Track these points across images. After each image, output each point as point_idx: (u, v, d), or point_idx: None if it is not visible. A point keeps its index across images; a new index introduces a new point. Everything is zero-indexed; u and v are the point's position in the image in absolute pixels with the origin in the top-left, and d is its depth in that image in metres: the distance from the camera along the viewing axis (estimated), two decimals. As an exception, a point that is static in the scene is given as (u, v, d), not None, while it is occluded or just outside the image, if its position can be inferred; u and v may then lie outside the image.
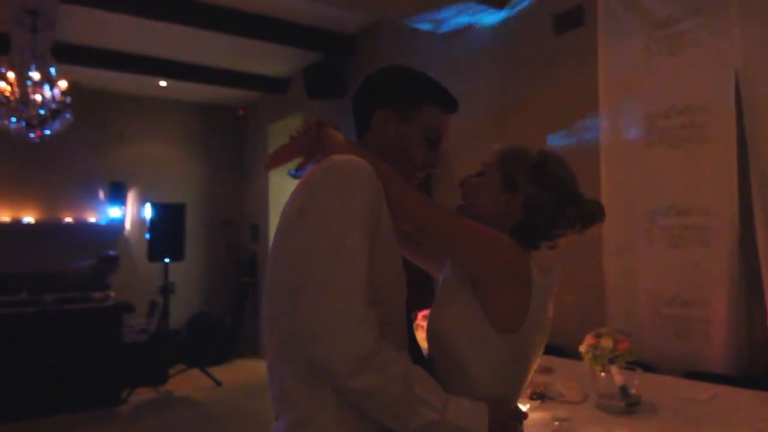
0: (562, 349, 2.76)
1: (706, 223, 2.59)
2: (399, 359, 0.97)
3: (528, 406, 1.93)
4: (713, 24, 2.58)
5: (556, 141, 3.30)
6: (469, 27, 4.06)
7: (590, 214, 1.17)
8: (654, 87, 2.81)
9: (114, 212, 6.90)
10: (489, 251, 1.07)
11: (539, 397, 2.04)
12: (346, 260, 0.95)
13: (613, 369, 1.94)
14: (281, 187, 6.77)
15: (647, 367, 2.23)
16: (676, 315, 2.68)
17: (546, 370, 2.42)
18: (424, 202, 1.10)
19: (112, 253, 6.21)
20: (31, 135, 4.69)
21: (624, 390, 1.90)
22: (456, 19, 3.97)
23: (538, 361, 1.15)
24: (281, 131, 6.84)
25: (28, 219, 6.36)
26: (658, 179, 2.78)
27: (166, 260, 5.89)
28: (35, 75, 4.57)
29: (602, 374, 1.95)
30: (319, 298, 0.94)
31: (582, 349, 2.03)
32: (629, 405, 1.89)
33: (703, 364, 2.54)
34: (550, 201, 1.14)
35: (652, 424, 1.79)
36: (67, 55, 5.29)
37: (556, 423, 1.78)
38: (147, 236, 5.96)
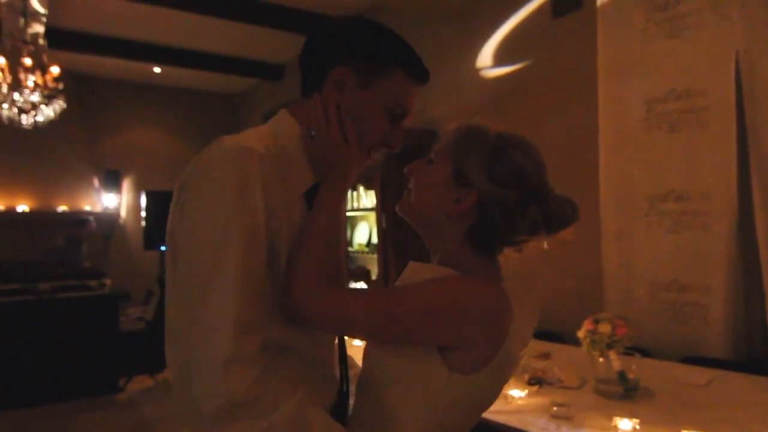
0: (560, 335, 2.76)
1: (704, 207, 2.58)
2: (288, 399, 0.81)
3: (526, 391, 1.93)
4: (713, 7, 2.55)
5: (554, 124, 3.28)
6: (469, 10, 4.02)
7: (558, 214, 0.92)
8: (653, 70, 2.78)
9: (109, 200, 6.86)
10: (462, 323, 0.86)
11: (537, 382, 2.04)
12: (219, 284, 0.80)
13: (612, 354, 1.93)
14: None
15: (645, 352, 2.23)
16: (675, 300, 2.68)
17: (544, 355, 2.42)
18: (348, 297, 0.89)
19: (84, 218, 6.18)
20: (24, 122, 4.64)
21: (622, 375, 1.90)
22: None
23: (490, 405, 0.98)
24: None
25: (23, 207, 6.32)
26: (656, 164, 2.76)
27: (163, 248, 5.86)
28: (27, 61, 4.51)
29: (600, 359, 1.95)
30: (188, 332, 0.82)
31: (580, 334, 2.02)
32: (627, 390, 1.89)
33: (701, 348, 2.55)
34: (508, 199, 0.92)
35: (650, 409, 1.79)
36: (60, 40, 5.22)
37: (555, 408, 1.78)
38: (143, 224, 5.93)
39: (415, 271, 0.98)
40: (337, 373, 1.07)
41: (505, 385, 0.98)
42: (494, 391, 0.95)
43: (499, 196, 0.92)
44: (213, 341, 0.79)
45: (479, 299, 0.86)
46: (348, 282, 1.18)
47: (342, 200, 0.98)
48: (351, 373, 1.10)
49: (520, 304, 0.90)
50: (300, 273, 0.88)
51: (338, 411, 1.03)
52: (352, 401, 1.02)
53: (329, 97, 0.97)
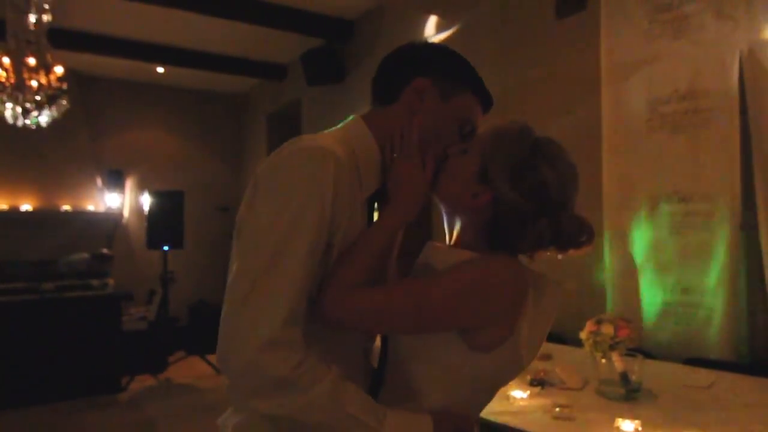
0: (562, 336, 2.76)
1: (708, 209, 2.57)
2: (323, 377, 0.87)
3: (528, 392, 1.93)
4: (717, 7, 2.54)
5: (557, 125, 3.27)
6: (468, 11, 4.01)
7: (567, 234, 0.94)
8: (656, 71, 2.78)
9: (112, 200, 6.88)
10: (486, 305, 0.90)
11: (539, 383, 2.04)
12: (278, 272, 0.86)
13: (614, 355, 1.93)
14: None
15: (648, 354, 2.23)
16: (677, 301, 2.67)
17: (546, 356, 2.42)
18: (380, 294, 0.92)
19: (106, 252, 6.21)
20: (27, 122, 4.65)
21: (624, 376, 1.90)
22: None
23: (510, 380, 1.04)
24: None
25: (26, 207, 6.33)
26: (660, 165, 2.75)
27: (165, 248, 5.87)
28: (31, 61, 4.52)
29: (603, 361, 1.95)
30: (241, 312, 0.86)
31: (583, 335, 2.02)
32: (630, 392, 1.88)
33: (703, 350, 2.54)
34: (522, 208, 0.93)
35: (652, 411, 1.79)
36: (64, 40, 5.23)
37: (557, 409, 1.78)
38: (146, 224, 5.94)
39: (435, 253, 1.03)
40: (369, 362, 1.09)
41: (508, 386, 1.00)
42: (514, 369, 0.98)
43: (513, 202, 0.93)
44: (261, 325, 0.84)
45: (505, 278, 0.90)
46: None
47: (402, 225, 1.00)
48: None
49: (535, 302, 0.93)
50: (335, 281, 0.91)
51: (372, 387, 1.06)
52: None
53: (411, 104, 1.02)
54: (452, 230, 1.05)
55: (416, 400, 0.95)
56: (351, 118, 1.07)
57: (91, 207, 6.71)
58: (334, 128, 1.06)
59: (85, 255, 6.01)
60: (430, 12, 4.21)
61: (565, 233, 0.93)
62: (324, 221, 0.89)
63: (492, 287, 0.90)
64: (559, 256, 0.97)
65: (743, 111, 2.45)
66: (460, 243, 1.02)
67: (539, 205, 0.93)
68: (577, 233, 0.94)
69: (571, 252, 0.95)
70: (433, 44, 1.11)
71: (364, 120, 1.06)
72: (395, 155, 1.01)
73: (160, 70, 6.64)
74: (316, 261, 0.90)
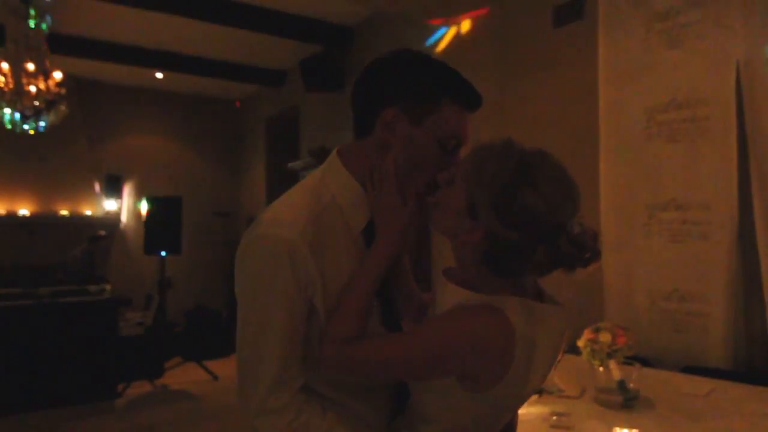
0: (559, 344, 2.75)
1: (705, 217, 2.58)
2: (321, 423, 0.98)
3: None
4: (714, 16, 2.55)
5: (554, 133, 3.28)
6: (467, 19, 4.03)
7: (569, 258, 0.89)
8: (654, 80, 2.79)
9: (110, 205, 6.87)
10: (464, 355, 0.91)
11: (537, 391, 2.03)
12: (266, 341, 0.97)
13: (612, 363, 1.93)
14: (277, 179, 6.75)
15: (645, 362, 2.22)
16: (675, 309, 2.67)
17: (544, 364, 2.41)
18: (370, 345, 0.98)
19: (100, 233, 6.20)
20: (26, 127, 4.65)
21: (622, 384, 1.89)
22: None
23: (518, 408, 1.09)
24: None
25: (24, 212, 6.32)
26: (657, 173, 2.76)
27: (163, 253, 5.86)
28: (30, 66, 4.53)
29: (600, 369, 1.95)
30: (242, 372, 1.00)
31: (580, 343, 2.02)
32: (627, 400, 1.88)
33: (701, 358, 2.54)
34: (515, 240, 0.88)
35: (650, 419, 1.79)
36: (63, 45, 5.25)
37: (554, 417, 1.77)
38: (143, 229, 5.93)
39: (443, 291, 1.05)
40: (384, 418, 1.12)
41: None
42: (512, 403, 1.03)
43: (505, 236, 0.89)
44: (252, 394, 0.98)
45: (476, 336, 0.90)
46: (419, 301, 1.22)
47: (391, 259, 1.01)
48: None
49: (544, 327, 0.95)
50: (331, 330, 0.97)
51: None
52: None
53: (383, 138, 0.99)
54: (458, 256, 1.02)
55: (431, 426, 1.00)
56: (333, 153, 1.09)
57: (89, 212, 6.70)
58: (315, 170, 1.10)
59: (83, 244, 6.00)
60: (429, 20, 4.23)
61: (566, 257, 0.89)
62: (292, 301, 0.96)
63: (469, 342, 0.90)
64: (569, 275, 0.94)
65: (740, 119, 2.46)
66: (465, 270, 1.01)
67: (531, 233, 0.88)
68: (578, 254, 0.89)
69: (579, 271, 0.91)
70: (397, 62, 1.02)
71: (341, 156, 1.06)
72: (374, 192, 1.01)
73: (159, 75, 6.65)
74: (297, 327, 0.98)
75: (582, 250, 0.89)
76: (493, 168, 0.90)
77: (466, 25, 4.08)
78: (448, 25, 4.16)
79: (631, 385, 1.90)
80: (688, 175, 2.64)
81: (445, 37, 4.24)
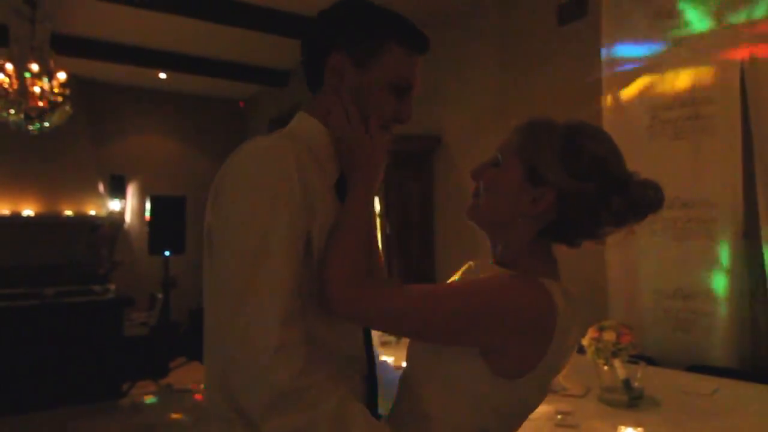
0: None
1: (710, 215, 2.57)
2: (330, 395, 0.82)
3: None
4: (718, 14, 2.55)
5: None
6: (473, 18, 4.03)
7: (643, 202, 0.87)
8: (657, 78, 2.78)
9: (114, 205, 6.89)
10: (501, 323, 0.83)
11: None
12: (265, 273, 0.82)
13: (616, 362, 1.92)
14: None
15: (650, 361, 2.22)
16: (679, 308, 2.67)
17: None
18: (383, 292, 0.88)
19: (97, 224, 6.30)
20: (30, 127, 4.66)
21: (627, 383, 1.89)
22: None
23: (532, 411, 0.96)
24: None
25: (28, 212, 6.34)
26: (661, 171, 2.71)
27: (167, 253, 5.87)
28: (34, 67, 4.54)
29: (605, 367, 1.94)
30: (231, 326, 0.82)
31: (584, 342, 2.01)
32: (632, 398, 1.88)
33: (705, 357, 2.53)
34: (590, 193, 0.85)
35: (655, 418, 1.78)
36: (66, 46, 5.25)
37: (559, 416, 1.77)
38: (147, 229, 5.94)
39: (470, 272, 1.00)
40: (362, 353, 1.03)
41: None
42: (539, 397, 0.93)
43: (579, 190, 0.85)
44: (260, 332, 0.80)
45: (519, 304, 0.83)
46: (384, 273, 1.18)
47: (372, 194, 0.97)
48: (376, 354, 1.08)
49: (573, 311, 0.87)
50: (335, 270, 0.86)
51: (368, 395, 1.02)
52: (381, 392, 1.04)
53: (334, 87, 0.97)
54: (508, 241, 0.95)
55: (423, 424, 0.89)
56: (297, 114, 1.05)
57: (93, 212, 6.72)
58: (284, 129, 1.04)
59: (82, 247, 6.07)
60: (432, 21, 4.22)
61: (641, 202, 0.86)
62: (299, 212, 0.86)
63: (501, 313, 0.83)
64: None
65: (745, 117, 2.45)
66: (502, 258, 0.95)
67: (603, 183, 0.86)
68: (650, 196, 0.87)
69: (649, 217, 0.88)
70: (340, 8, 1.01)
71: (308, 112, 1.03)
72: (339, 133, 0.97)
73: (163, 75, 6.66)
74: (300, 254, 0.87)
75: (654, 192, 0.87)
76: (546, 133, 0.90)
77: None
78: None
79: (636, 383, 1.89)
80: (693, 173, 2.63)
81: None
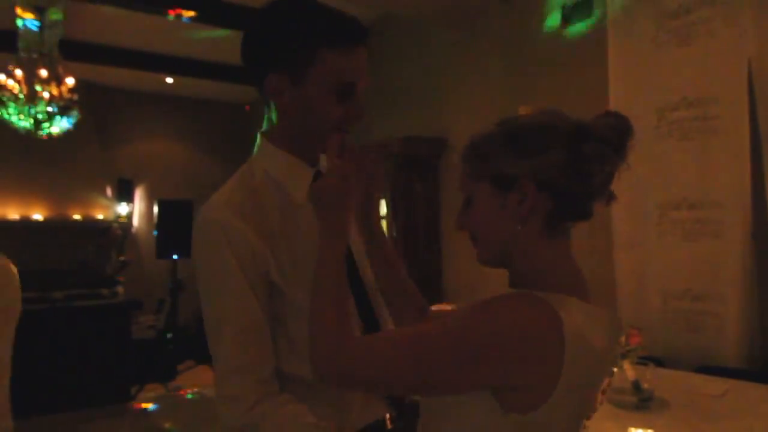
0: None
1: (718, 216, 2.55)
2: (278, 414, 0.93)
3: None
4: (725, 13, 2.54)
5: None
6: (477, 19, 4.03)
7: (612, 131, 0.81)
8: (664, 78, 2.77)
9: (122, 209, 6.93)
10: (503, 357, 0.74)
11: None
12: (220, 326, 0.95)
13: (625, 364, 1.91)
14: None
15: (659, 362, 2.21)
16: (688, 309, 2.65)
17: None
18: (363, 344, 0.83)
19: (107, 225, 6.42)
20: (40, 132, 4.70)
21: (636, 385, 1.88)
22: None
23: None
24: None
25: (37, 216, 6.39)
26: (669, 172, 2.74)
27: (175, 257, 5.90)
28: (43, 72, 4.58)
29: (614, 369, 1.93)
30: (213, 349, 0.97)
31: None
32: (642, 400, 1.86)
33: (715, 358, 2.51)
34: (560, 158, 0.80)
35: (665, 420, 1.77)
36: (74, 52, 5.30)
37: (568, 418, 1.76)
38: (155, 233, 5.97)
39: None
40: (352, 398, 1.06)
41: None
42: (572, 424, 0.82)
43: (550, 164, 0.80)
44: (219, 381, 0.96)
45: (512, 328, 0.74)
46: (410, 287, 1.14)
47: (342, 224, 0.92)
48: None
49: (592, 322, 0.79)
50: (317, 329, 0.83)
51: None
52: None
53: (277, 105, 1.00)
54: (514, 278, 0.89)
55: None
56: (258, 138, 1.08)
57: (101, 216, 6.76)
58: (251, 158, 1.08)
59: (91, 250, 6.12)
60: (437, 22, 4.23)
61: (611, 132, 0.81)
62: (239, 281, 0.94)
63: (504, 336, 0.73)
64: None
65: (753, 117, 2.44)
66: (513, 277, 0.88)
67: (563, 143, 0.81)
68: (616, 122, 0.82)
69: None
70: (267, 21, 0.99)
71: (265, 135, 1.06)
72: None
73: (169, 80, 6.70)
74: (253, 309, 0.95)
75: (614, 120, 0.83)
76: (484, 140, 0.87)
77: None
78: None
79: (646, 385, 1.88)
80: (701, 174, 2.62)
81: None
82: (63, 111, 4.69)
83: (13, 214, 6.29)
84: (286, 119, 1.00)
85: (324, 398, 0.98)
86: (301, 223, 1.00)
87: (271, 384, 0.96)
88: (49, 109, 4.61)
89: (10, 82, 4.53)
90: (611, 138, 0.81)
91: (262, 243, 0.96)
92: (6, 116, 4.59)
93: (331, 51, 0.93)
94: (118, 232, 6.48)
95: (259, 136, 1.07)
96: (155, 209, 6.18)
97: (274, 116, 1.03)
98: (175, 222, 5.92)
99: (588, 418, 0.86)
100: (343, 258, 0.91)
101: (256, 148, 1.07)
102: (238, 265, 0.94)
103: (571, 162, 0.80)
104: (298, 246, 0.99)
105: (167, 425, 4.50)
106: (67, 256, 6.27)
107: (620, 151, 0.82)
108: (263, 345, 0.96)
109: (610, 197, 0.87)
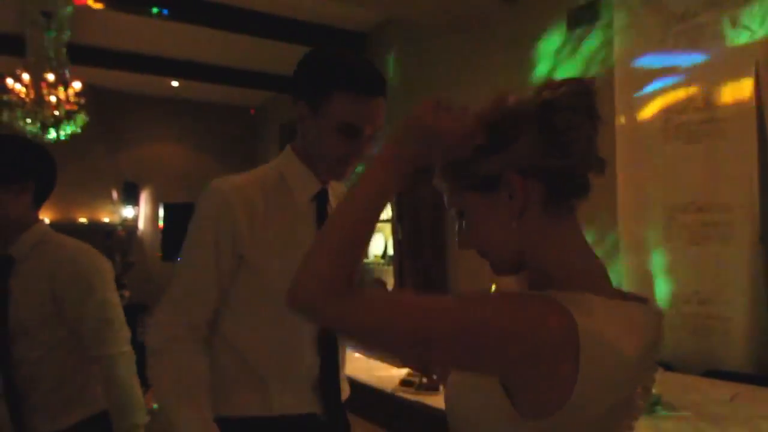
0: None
1: (726, 219, 2.54)
2: (181, 358, 1.15)
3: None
4: (732, 17, 2.53)
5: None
6: (480, 23, 4.03)
7: (572, 98, 0.78)
8: (671, 81, 2.76)
9: (127, 212, 6.96)
10: (518, 341, 0.70)
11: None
12: (190, 269, 1.19)
13: (633, 368, 1.90)
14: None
15: (666, 366, 2.20)
16: (695, 313, 2.64)
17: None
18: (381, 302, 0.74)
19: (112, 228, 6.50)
20: (47, 136, 4.73)
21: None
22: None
23: None
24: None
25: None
26: (676, 175, 2.73)
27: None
28: (50, 76, 4.61)
29: (657, 369, 1.92)
30: (170, 283, 1.19)
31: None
32: (650, 405, 1.85)
33: (723, 362, 2.50)
34: (532, 141, 0.76)
35: (673, 424, 1.76)
36: (82, 56, 5.33)
37: (575, 423, 1.75)
38: (161, 236, 5.99)
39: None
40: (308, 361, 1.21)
41: None
42: (602, 422, 0.75)
43: (525, 152, 0.77)
44: (178, 300, 1.18)
45: (520, 329, 0.70)
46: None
47: (398, 170, 0.79)
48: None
49: (618, 318, 0.74)
50: (313, 265, 0.72)
51: (325, 399, 1.23)
52: None
53: (301, 129, 1.22)
54: (532, 280, 0.85)
55: None
56: (286, 148, 1.28)
57: (106, 219, 6.79)
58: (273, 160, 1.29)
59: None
60: (440, 26, 4.23)
61: (570, 98, 0.78)
62: (213, 246, 1.14)
63: (511, 336, 0.70)
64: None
65: (760, 120, 2.43)
66: (533, 280, 0.84)
67: (530, 126, 0.77)
68: (571, 86, 0.79)
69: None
70: (303, 59, 1.20)
71: (292, 148, 1.26)
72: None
73: (175, 84, 6.73)
74: (212, 272, 1.15)
75: (567, 86, 0.79)
76: (456, 146, 0.81)
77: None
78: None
79: (654, 389, 1.87)
80: (708, 177, 2.61)
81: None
82: (70, 115, 4.72)
83: (20, 218, 6.33)
84: (305, 140, 1.19)
85: (249, 381, 1.17)
86: (297, 224, 1.18)
87: (194, 332, 1.14)
88: (56, 113, 4.64)
89: (18, 87, 4.56)
90: (578, 103, 0.78)
91: (249, 229, 1.13)
92: (13, 120, 4.62)
93: (343, 94, 1.10)
94: (122, 234, 6.50)
95: (288, 146, 1.26)
96: (161, 212, 6.20)
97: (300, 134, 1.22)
98: (180, 225, 5.89)
99: (631, 428, 0.82)
100: (381, 199, 0.78)
101: (281, 156, 1.26)
102: (212, 241, 1.14)
103: (546, 139, 0.76)
104: (286, 237, 1.16)
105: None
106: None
107: (591, 112, 0.79)
108: (206, 304, 1.15)
109: (602, 164, 0.82)
